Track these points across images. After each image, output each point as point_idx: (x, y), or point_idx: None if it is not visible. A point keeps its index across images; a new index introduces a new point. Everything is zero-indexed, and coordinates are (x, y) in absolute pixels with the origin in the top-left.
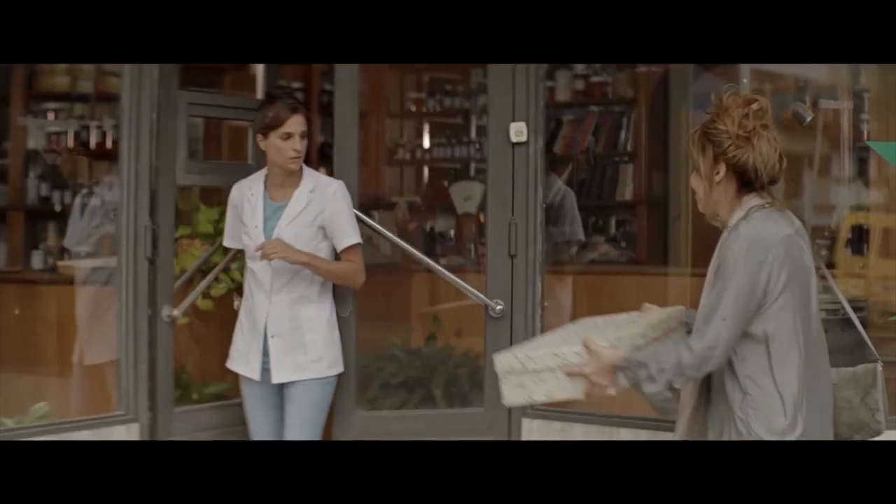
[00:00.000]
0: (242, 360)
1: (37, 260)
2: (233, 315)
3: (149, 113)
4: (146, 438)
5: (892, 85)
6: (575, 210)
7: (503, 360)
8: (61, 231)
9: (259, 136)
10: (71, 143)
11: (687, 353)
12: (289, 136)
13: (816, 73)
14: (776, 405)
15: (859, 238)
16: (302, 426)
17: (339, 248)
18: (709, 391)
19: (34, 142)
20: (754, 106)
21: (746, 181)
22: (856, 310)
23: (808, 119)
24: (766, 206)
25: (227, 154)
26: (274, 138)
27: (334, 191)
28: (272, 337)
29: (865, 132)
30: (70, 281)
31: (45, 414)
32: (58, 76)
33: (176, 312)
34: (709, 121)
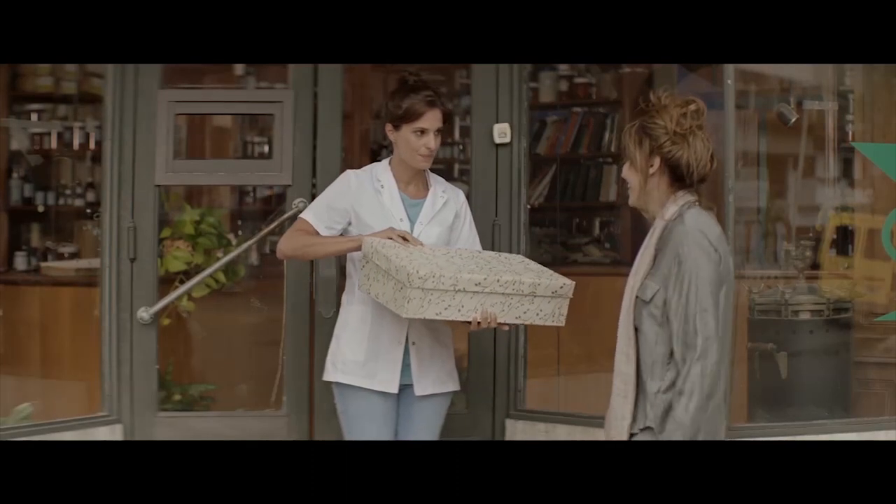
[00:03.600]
0: (366, 371)
1: (20, 261)
2: (215, 316)
3: (132, 113)
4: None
5: (876, 85)
6: None
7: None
8: (45, 232)
9: (389, 126)
10: (54, 144)
11: (689, 374)
12: (423, 132)
13: (801, 73)
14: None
15: (844, 239)
16: (432, 439)
17: None
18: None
19: (17, 143)
20: (692, 107)
21: (678, 176)
22: (841, 311)
23: (793, 120)
24: (697, 203)
25: (211, 153)
26: (406, 132)
27: (464, 198)
28: (413, 344)
29: (850, 133)
30: (53, 282)
31: (29, 415)
32: (41, 77)
33: (144, 314)
34: (647, 116)
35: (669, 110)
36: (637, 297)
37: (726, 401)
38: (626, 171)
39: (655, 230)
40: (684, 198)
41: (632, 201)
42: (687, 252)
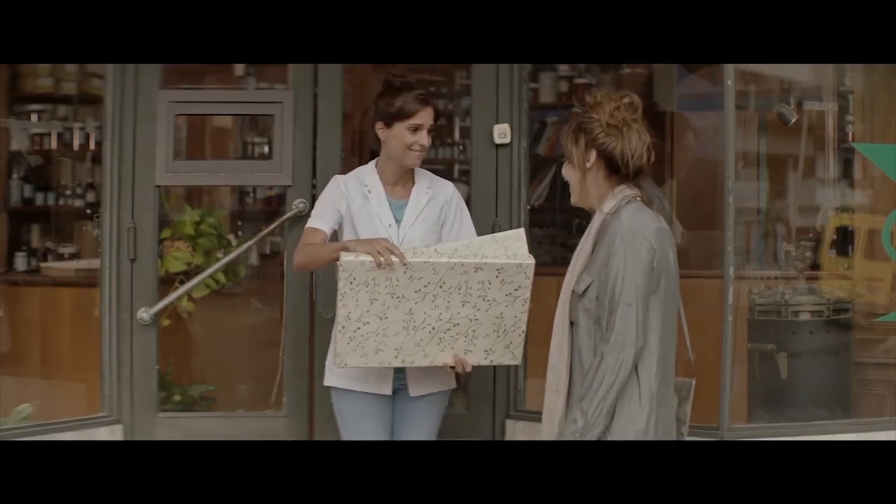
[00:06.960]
0: (359, 373)
1: (20, 262)
2: (215, 316)
3: (132, 114)
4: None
5: (876, 86)
6: None
7: None
8: (45, 232)
9: (380, 125)
10: (54, 144)
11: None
12: (417, 128)
13: (801, 74)
14: (634, 399)
15: (844, 239)
16: (429, 438)
17: None
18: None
19: (17, 143)
20: (626, 100)
21: (614, 168)
22: (841, 311)
23: (793, 120)
24: (637, 198)
25: (211, 153)
26: (400, 129)
27: (453, 191)
28: None
29: (850, 133)
30: (53, 282)
31: (29, 415)
32: (41, 78)
33: (144, 315)
34: (583, 113)
35: (604, 105)
36: (573, 291)
37: (671, 406)
38: (566, 170)
39: (594, 224)
40: (623, 192)
41: (573, 200)
42: (618, 246)
